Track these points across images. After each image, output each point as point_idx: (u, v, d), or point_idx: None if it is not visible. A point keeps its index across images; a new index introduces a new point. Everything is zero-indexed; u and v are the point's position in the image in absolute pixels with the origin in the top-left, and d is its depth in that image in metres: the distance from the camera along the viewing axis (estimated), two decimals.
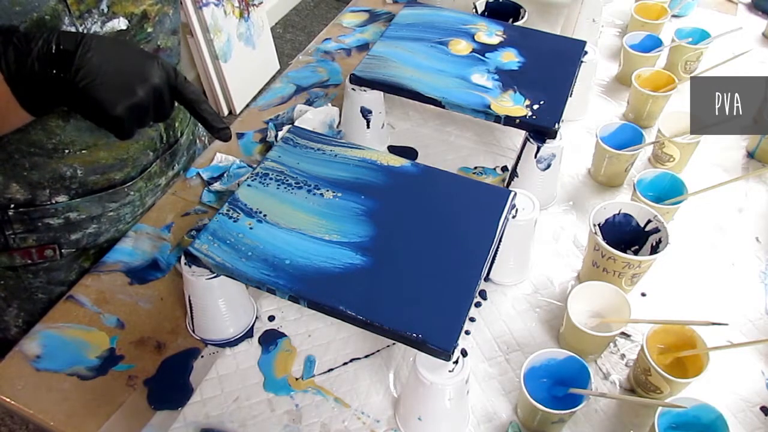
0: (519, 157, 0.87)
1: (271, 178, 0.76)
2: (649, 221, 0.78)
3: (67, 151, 0.76)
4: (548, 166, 0.85)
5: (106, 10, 0.68)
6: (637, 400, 0.69)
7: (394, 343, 0.75)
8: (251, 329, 0.76)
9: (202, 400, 0.70)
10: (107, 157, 0.80)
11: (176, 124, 0.91)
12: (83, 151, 0.77)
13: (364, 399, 0.71)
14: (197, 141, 1.01)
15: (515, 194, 0.75)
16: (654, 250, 0.77)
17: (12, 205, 0.78)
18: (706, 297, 0.81)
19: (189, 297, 0.72)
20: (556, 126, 0.83)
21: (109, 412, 0.69)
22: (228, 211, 0.72)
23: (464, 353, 0.63)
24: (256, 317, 0.77)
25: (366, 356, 0.74)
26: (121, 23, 0.70)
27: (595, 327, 0.72)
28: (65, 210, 0.81)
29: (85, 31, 0.67)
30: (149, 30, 0.74)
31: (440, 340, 0.60)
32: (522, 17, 1.09)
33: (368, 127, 0.94)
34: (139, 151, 0.84)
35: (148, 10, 0.73)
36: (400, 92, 0.89)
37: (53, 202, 0.79)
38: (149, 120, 0.64)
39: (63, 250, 0.83)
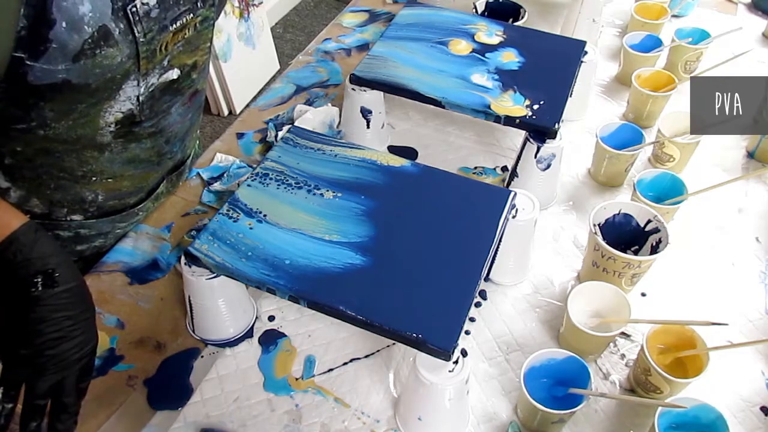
0: (519, 157, 0.87)
1: (271, 178, 0.76)
2: (649, 221, 0.78)
3: (94, 178, 0.76)
4: (548, 166, 0.85)
5: (165, 64, 0.69)
6: (637, 400, 0.69)
7: (394, 343, 0.75)
8: (251, 329, 0.76)
9: (202, 400, 0.70)
10: (129, 186, 0.81)
11: (188, 151, 0.91)
12: (109, 180, 0.78)
13: (364, 399, 0.71)
14: (198, 153, 1.01)
15: (515, 194, 0.75)
16: (654, 250, 0.77)
17: (28, 216, 0.78)
18: (706, 297, 0.81)
19: (189, 297, 0.72)
20: (556, 126, 0.83)
21: (108, 413, 0.69)
22: (228, 211, 0.72)
23: (464, 353, 0.63)
24: (256, 317, 0.77)
25: (366, 356, 0.74)
26: (174, 74, 0.71)
27: (595, 327, 0.72)
28: (77, 226, 0.81)
29: (144, 85, 0.68)
30: (194, 77, 0.76)
31: (440, 340, 0.60)
32: (522, 17, 1.09)
33: (368, 127, 0.94)
34: (156, 179, 0.85)
35: (198, 60, 0.75)
36: (400, 92, 0.89)
37: (68, 219, 0.80)
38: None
39: None
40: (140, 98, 0.68)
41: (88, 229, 0.82)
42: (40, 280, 0.56)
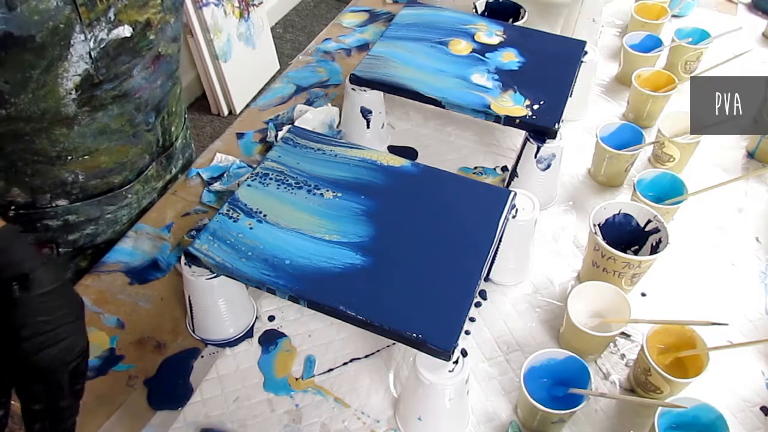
0: (519, 157, 0.87)
1: (271, 178, 0.76)
2: (649, 221, 0.78)
3: (69, 157, 0.76)
4: (548, 166, 0.85)
5: (112, 18, 0.69)
6: (637, 400, 0.69)
7: (394, 343, 0.75)
8: (251, 329, 0.76)
9: (202, 400, 0.70)
10: (108, 162, 0.80)
11: (172, 129, 0.91)
12: (85, 157, 0.77)
13: (364, 399, 0.71)
14: (191, 145, 1.01)
15: (515, 194, 0.75)
16: (654, 250, 0.77)
17: (12, 207, 0.78)
18: (706, 297, 0.81)
19: (189, 297, 0.72)
20: (556, 126, 0.83)
21: (109, 412, 0.69)
22: (228, 211, 0.72)
23: (464, 353, 0.63)
24: (256, 317, 0.77)
25: (366, 356, 0.74)
26: (125, 30, 0.71)
27: (595, 327, 0.72)
28: (64, 213, 0.81)
29: (93, 39, 0.67)
30: (151, 37, 0.75)
31: (440, 340, 0.60)
32: (522, 17, 1.09)
33: (368, 127, 0.94)
34: (138, 155, 0.85)
35: (151, 19, 0.74)
36: (400, 92, 0.89)
37: (53, 205, 0.80)
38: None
39: (60, 249, 0.84)
40: (92, 54, 0.68)
41: (76, 214, 0.82)
42: (16, 284, 0.56)
